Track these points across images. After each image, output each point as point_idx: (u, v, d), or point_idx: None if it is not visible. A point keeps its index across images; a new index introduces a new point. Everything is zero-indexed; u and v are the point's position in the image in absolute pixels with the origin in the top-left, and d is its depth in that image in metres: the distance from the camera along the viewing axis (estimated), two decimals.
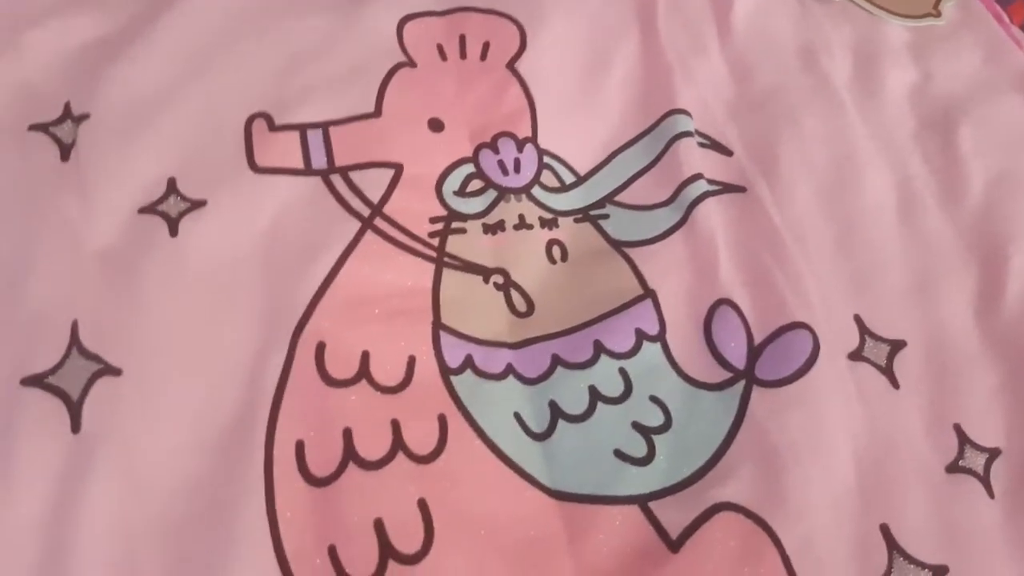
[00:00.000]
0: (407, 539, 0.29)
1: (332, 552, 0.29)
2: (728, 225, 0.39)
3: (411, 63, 0.41)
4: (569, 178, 0.40)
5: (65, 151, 0.35)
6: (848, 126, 0.44)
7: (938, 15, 0.52)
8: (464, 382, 0.34)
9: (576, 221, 0.39)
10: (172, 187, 0.35)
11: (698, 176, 0.40)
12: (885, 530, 0.32)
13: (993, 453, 0.35)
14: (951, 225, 0.42)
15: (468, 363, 0.34)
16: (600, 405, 0.34)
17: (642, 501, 0.32)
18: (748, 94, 0.45)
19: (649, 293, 0.37)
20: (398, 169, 0.38)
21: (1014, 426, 0.36)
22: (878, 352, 0.37)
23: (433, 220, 0.37)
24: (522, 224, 0.38)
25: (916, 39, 0.50)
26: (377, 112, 0.39)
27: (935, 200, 0.43)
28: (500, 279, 0.37)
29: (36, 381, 0.30)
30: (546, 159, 0.40)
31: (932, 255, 0.41)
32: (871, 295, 0.39)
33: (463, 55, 0.42)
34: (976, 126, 0.46)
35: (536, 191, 0.39)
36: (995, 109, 0.47)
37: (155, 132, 0.36)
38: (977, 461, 0.35)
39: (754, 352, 0.36)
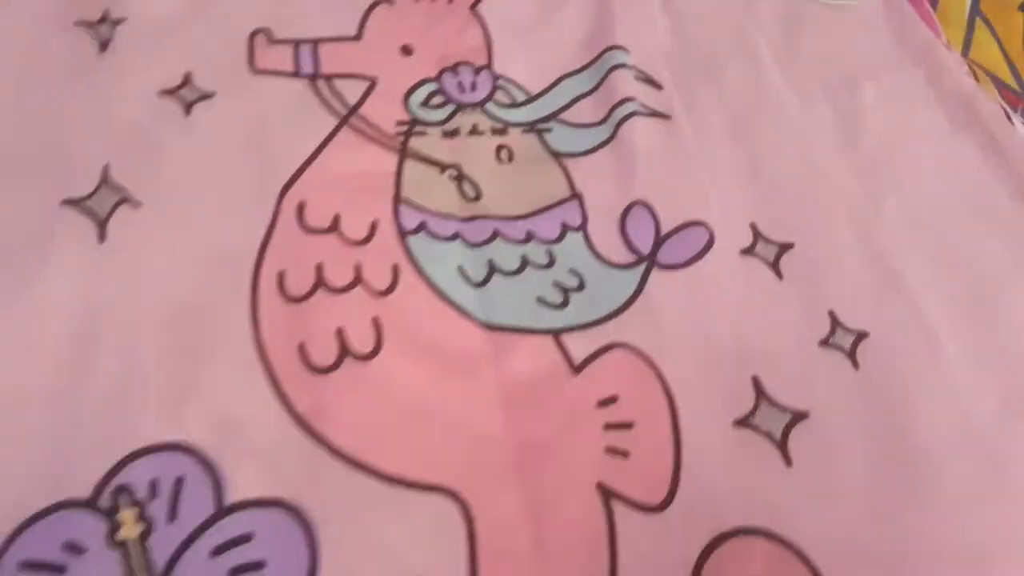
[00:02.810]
0: (361, 343, 0.36)
1: (301, 347, 0.36)
2: (650, 142, 0.47)
3: (389, 1, 0.50)
4: (521, 97, 0.48)
5: (104, 44, 0.44)
6: (765, 79, 0.52)
7: None
8: (418, 241, 0.41)
9: (524, 132, 0.46)
10: (188, 79, 0.44)
11: (630, 99, 0.48)
12: (756, 380, 0.38)
13: (860, 335, 0.41)
14: (844, 160, 0.49)
15: (422, 227, 0.41)
16: (528, 268, 0.41)
17: (555, 333, 0.39)
18: (681, 45, 0.53)
19: (577, 195, 0.44)
20: (373, 82, 0.46)
21: (878, 314, 0.42)
22: (767, 251, 0.44)
23: (399, 123, 0.45)
24: (475, 131, 0.46)
25: (836, 16, 0.58)
26: (359, 36, 0.48)
27: (833, 140, 0.50)
28: (455, 172, 0.44)
29: (73, 203, 0.38)
30: (500, 82, 0.48)
31: (825, 181, 0.48)
32: (768, 209, 0.46)
33: None
34: (879, 87, 0.53)
35: (490, 106, 0.47)
36: (898, 77, 0.55)
37: (176, 38, 0.45)
38: (846, 340, 0.41)
39: (658, 241, 0.43)
